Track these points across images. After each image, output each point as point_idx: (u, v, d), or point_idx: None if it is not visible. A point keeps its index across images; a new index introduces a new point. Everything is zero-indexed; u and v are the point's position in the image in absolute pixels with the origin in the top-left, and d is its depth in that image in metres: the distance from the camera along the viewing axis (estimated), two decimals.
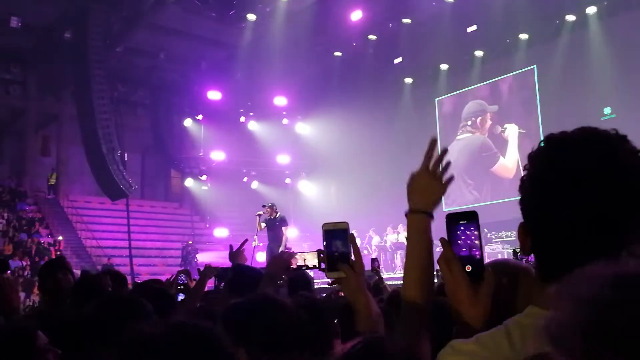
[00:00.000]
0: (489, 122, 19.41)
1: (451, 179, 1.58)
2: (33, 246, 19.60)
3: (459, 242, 1.32)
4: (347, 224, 1.81)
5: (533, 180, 1.09)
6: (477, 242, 1.32)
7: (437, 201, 1.55)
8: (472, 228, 1.33)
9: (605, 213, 1.00)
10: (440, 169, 1.59)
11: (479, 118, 19.60)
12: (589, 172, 1.01)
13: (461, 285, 1.29)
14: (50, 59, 21.19)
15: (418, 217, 1.53)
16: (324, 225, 1.81)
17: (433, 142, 1.58)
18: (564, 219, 1.02)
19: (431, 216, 1.54)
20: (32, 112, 23.73)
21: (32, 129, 24.01)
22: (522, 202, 1.11)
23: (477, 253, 1.32)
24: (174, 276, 5.09)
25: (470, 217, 1.34)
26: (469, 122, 19.85)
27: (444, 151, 1.61)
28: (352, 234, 1.81)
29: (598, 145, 1.04)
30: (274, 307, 1.89)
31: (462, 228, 1.33)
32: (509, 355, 1.03)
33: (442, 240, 1.32)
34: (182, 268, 17.07)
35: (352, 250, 1.78)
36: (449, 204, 19.63)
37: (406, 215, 1.56)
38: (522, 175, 1.14)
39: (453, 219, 1.35)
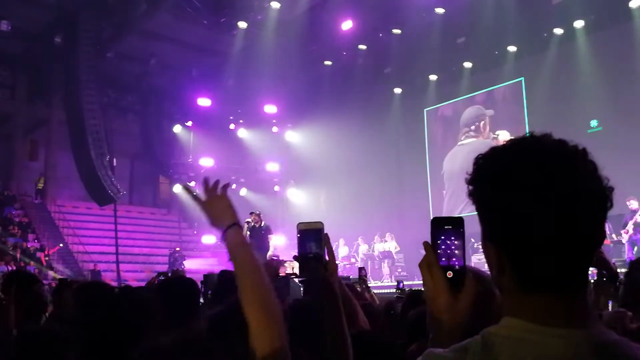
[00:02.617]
0: (488, 127, 19.53)
1: (226, 185, 1.84)
2: (19, 251, 19.46)
3: (442, 247, 1.27)
4: (321, 223, 1.80)
5: (491, 191, 1.06)
6: (460, 248, 1.27)
7: (233, 211, 1.78)
8: (456, 234, 1.28)
9: (573, 212, 1.00)
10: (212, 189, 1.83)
11: (482, 122, 19.68)
12: (544, 176, 1.01)
13: (441, 291, 1.24)
14: (40, 63, 21.14)
15: (230, 232, 1.74)
16: (298, 224, 1.79)
17: (185, 188, 1.88)
18: (539, 229, 1.00)
19: (239, 225, 1.76)
20: (20, 116, 23.63)
21: (21, 133, 23.89)
22: (486, 217, 1.09)
23: (459, 260, 1.27)
24: (154, 277, 5.17)
25: (456, 223, 1.30)
26: (473, 127, 19.92)
27: (205, 179, 1.86)
28: (327, 234, 1.79)
29: (544, 148, 1.05)
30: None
31: (446, 233, 1.28)
32: None
33: (425, 244, 1.28)
34: (169, 274, 17.00)
35: (325, 251, 1.77)
36: (449, 212, 19.75)
37: (222, 240, 1.74)
38: (470, 190, 1.10)
39: (438, 224, 1.30)
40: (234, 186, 24.00)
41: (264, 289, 1.63)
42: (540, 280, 1.03)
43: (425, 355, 1.08)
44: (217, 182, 1.83)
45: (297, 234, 1.78)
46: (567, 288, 1.03)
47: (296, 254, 1.83)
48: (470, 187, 1.11)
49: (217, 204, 1.79)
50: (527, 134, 1.10)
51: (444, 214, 18.85)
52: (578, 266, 1.04)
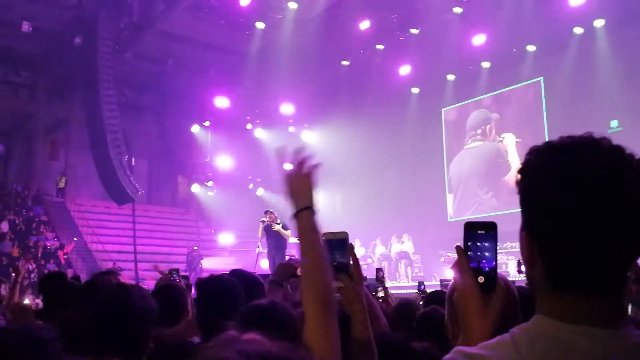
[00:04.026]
0: (494, 130, 19.47)
1: (316, 166, 1.75)
2: (39, 249, 19.71)
3: (474, 251, 1.29)
4: (346, 233, 1.81)
5: (539, 184, 1.06)
6: (492, 253, 1.30)
7: (311, 194, 1.71)
8: (489, 238, 1.30)
9: (617, 218, 1.00)
10: (302, 165, 1.74)
11: (488, 126, 19.63)
12: (596, 178, 1.01)
13: (472, 295, 1.26)
14: (60, 63, 21.35)
15: (303, 214, 1.67)
16: (324, 234, 1.79)
17: (279, 151, 1.75)
18: (575, 226, 1.01)
19: (314, 210, 1.68)
20: (41, 116, 23.89)
21: (41, 133, 24.17)
22: (528, 208, 1.09)
23: (491, 264, 1.29)
24: (167, 274, 5.23)
25: (489, 228, 1.31)
26: (479, 131, 19.86)
27: (299, 149, 1.76)
28: (352, 244, 1.81)
29: (601, 150, 1.05)
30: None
31: (479, 238, 1.30)
32: None
33: (457, 247, 1.30)
34: (186, 273, 17.14)
35: (351, 260, 1.78)
36: (457, 215, 19.64)
37: (293, 218, 1.67)
38: (518, 177, 1.10)
39: (471, 228, 1.31)
40: (250, 186, 24.12)
41: (325, 281, 1.59)
42: (571, 279, 1.03)
43: (455, 352, 1.09)
44: (307, 159, 1.76)
45: (323, 243, 1.77)
46: (600, 289, 1.03)
47: None
48: (518, 175, 1.11)
49: (299, 180, 1.74)
50: (586, 134, 1.09)
51: (452, 218, 18.67)
52: (612, 269, 1.03)
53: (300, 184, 1.72)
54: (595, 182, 1.01)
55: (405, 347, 2.29)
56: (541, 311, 1.07)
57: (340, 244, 1.80)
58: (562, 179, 1.03)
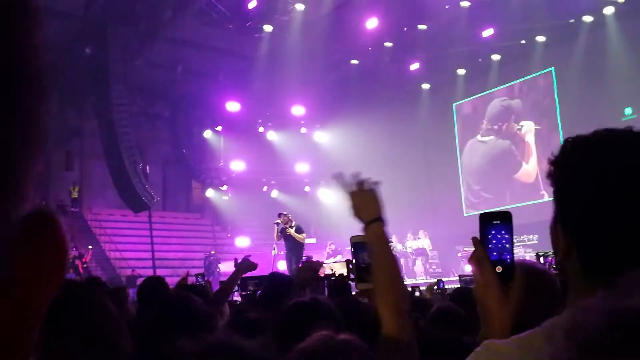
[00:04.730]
0: (513, 124, 19.31)
1: (377, 182, 1.86)
2: None
3: (491, 242, 1.30)
4: None
5: (571, 176, 1.05)
6: (509, 242, 1.30)
7: (379, 206, 1.79)
8: (505, 229, 1.31)
9: None
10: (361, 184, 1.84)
11: (505, 124, 19.46)
12: (630, 170, 1.00)
13: (491, 286, 1.26)
14: (71, 74, 21.50)
15: (374, 225, 1.75)
16: (352, 237, 1.86)
17: (337, 176, 1.88)
18: (608, 219, 1.00)
19: (383, 221, 1.77)
20: (54, 127, 24.07)
21: (55, 144, 24.33)
22: (561, 200, 1.08)
23: (508, 254, 1.29)
24: (184, 277, 5.47)
25: (504, 218, 1.32)
26: (496, 127, 19.73)
27: (356, 174, 1.88)
28: None
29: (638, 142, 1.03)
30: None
31: (495, 228, 1.31)
32: (550, 358, 0.99)
33: (474, 239, 1.30)
34: (205, 277, 17.19)
35: None
36: (470, 209, 19.55)
37: (364, 230, 1.76)
38: (551, 170, 1.09)
39: (486, 219, 1.32)
40: (265, 188, 24.16)
41: (398, 286, 1.67)
42: (605, 272, 1.00)
43: (485, 346, 1.08)
44: (367, 179, 1.87)
45: (351, 246, 1.87)
46: None
47: (349, 259, 1.91)
48: (552, 168, 1.09)
49: (364, 196, 1.82)
50: (627, 128, 1.07)
51: (467, 213, 18.49)
52: None
53: (364, 200, 1.81)
54: (629, 173, 0.99)
55: (456, 342, 2.28)
56: (573, 305, 1.03)
57: (367, 245, 1.82)
58: (595, 171, 1.01)
